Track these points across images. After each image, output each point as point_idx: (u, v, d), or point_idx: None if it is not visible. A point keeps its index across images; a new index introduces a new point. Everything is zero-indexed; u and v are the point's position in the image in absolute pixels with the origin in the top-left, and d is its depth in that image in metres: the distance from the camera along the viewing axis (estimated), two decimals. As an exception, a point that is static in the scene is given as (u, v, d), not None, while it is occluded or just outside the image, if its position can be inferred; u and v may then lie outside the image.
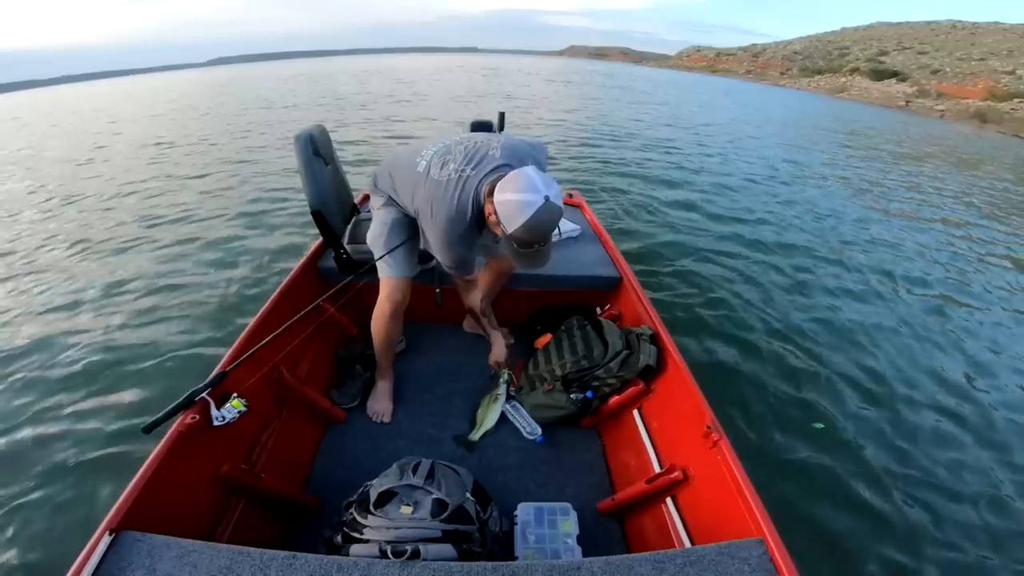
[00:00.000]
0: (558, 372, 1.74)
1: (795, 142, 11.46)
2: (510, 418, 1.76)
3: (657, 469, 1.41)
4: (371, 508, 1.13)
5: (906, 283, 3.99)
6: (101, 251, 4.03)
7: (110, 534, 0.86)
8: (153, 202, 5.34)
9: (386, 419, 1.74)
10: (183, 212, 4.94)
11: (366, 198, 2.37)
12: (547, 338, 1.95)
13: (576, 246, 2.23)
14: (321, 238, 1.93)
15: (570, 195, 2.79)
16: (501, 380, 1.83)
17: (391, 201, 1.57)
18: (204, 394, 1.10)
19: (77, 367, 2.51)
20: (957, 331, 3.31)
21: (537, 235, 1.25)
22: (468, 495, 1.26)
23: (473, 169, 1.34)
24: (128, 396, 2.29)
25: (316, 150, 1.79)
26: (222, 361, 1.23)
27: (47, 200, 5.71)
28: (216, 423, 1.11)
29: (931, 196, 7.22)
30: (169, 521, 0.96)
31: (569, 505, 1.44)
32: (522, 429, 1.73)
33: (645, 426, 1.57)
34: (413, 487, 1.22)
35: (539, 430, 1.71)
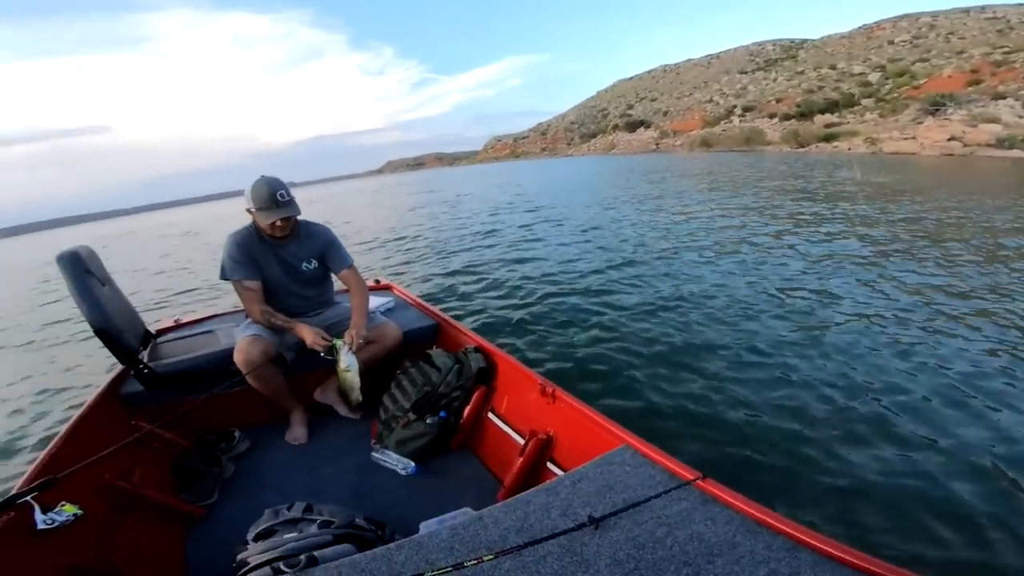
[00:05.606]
0: (406, 405, 1.89)
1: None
2: (380, 463, 1.82)
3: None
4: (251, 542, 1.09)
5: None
6: None
7: None
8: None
9: (302, 440, 2.00)
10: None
11: (165, 330, 2.41)
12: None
13: (392, 315, 2.43)
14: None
15: (377, 281, 3.02)
16: (337, 348, 1.79)
17: None
18: (28, 498, 1.05)
19: None
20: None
21: (261, 195, 1.73)
22: (358, 519, 1.22)
23: None
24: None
25: (87, 268, 1.73)
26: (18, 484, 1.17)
27: None
28: (44, 526, 1.05)
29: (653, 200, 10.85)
30: None
31: (468, 508, 1.42)
32: (395, 467, 1.78)
33: (504, 420, 1.76)
34: (292, 521, 1.16)
35: (411, 463, 1.77)
